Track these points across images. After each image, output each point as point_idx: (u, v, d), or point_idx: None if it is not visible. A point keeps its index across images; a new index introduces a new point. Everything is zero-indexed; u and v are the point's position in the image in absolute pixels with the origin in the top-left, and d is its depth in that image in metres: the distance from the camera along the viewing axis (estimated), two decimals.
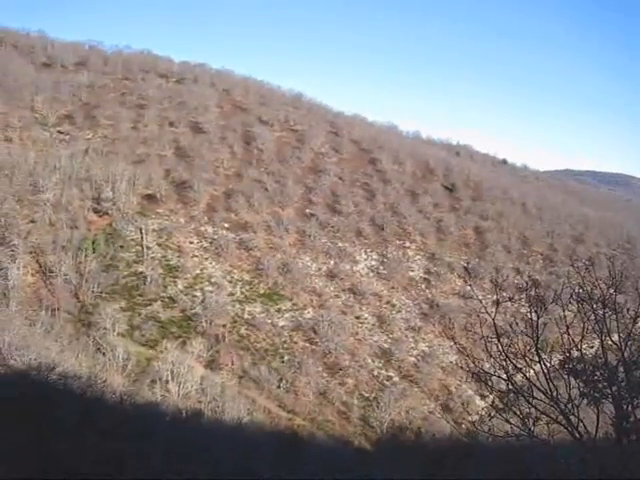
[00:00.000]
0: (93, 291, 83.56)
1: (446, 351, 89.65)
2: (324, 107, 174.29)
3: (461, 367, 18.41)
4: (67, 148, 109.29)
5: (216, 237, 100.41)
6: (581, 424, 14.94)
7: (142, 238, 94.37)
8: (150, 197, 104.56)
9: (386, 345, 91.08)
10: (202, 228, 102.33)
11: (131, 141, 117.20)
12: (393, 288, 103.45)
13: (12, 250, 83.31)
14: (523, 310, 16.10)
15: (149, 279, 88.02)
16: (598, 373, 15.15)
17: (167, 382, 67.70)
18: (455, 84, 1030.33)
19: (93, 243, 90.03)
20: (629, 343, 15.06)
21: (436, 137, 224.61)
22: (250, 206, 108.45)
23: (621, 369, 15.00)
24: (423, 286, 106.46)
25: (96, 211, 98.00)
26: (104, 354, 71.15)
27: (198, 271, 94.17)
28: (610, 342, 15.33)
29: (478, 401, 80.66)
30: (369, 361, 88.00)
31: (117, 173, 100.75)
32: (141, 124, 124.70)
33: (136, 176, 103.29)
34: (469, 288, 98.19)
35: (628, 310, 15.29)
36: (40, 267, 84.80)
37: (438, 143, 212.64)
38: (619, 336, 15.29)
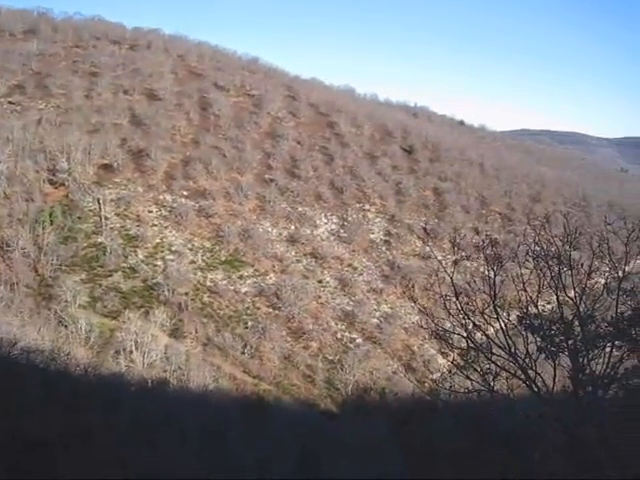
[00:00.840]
0: (52, 264, 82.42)
1: (408, 312, 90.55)
2: (281, 71, 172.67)
3: (422, 327, 18.68)
4: (19, 119, 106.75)
5: (175, 205, 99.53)
6: (539, 378, 15.33)
7: (100, 208, 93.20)
8: (107, 167, 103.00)
9: (349, 308, 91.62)
10: (161, 197, 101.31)
11: (85, 110, 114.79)
12: (354, 251, 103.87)
13: None
14: (482, 269, 16.30)
15: (109, 250, 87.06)
16: (554, 328, 15.52)
17: (131, 352, 67.53)
18: (411, 44, 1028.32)
19: (50, 215, 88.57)
20: (584, 298, 15.41)
21: (394, 99, 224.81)
22: (208, 173, 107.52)
23: (577, 323, 15.37)
24: (384, 248, 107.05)
25: (52, 182, 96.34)
26: (66, 327, 70.61)
27: (158, 240, 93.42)
28: (566, 297, 15.66)
29: (440, 360, 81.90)
30: (332, 324, 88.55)
31: (72, 143, 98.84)
32: (95, 92, 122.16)
33: (91, 146, 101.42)
34: (428, 249, 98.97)
35: (582, 266, 15.63)
36: None
37: (396, 105, 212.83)
38: (574, 291, 15.63)
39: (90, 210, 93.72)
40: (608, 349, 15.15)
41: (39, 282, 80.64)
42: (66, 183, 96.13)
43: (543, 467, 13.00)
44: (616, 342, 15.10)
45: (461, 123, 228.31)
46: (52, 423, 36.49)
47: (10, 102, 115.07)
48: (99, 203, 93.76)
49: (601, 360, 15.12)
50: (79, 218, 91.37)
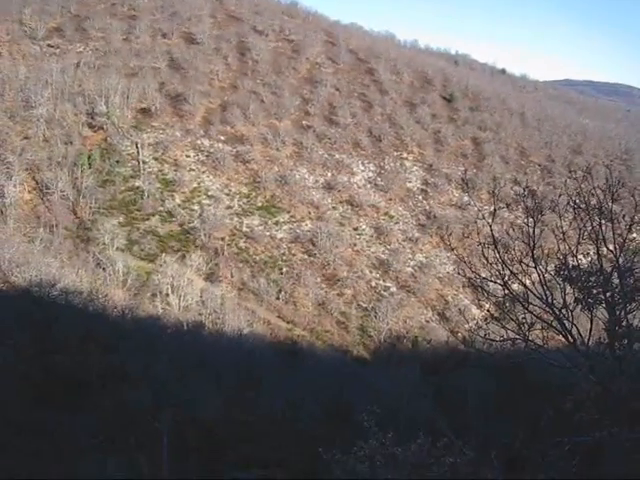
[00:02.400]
0: (91, 207, 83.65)
1: (443, 262, 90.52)
2: (320, 16, 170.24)
3: (459, 275, 18.63)
4: (58, 62, 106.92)
5: (212, 150, 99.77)
6: (575, 329, 15.25)
7: (138, 153, 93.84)
8: (145, 111, 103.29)
9: (384, 256, 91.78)
10: (198, 141, 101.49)
11: (123, 54, 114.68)
12: (391, 199, 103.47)
13: (7, 167, 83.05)
14: (520, 222, 16.15)
15: (146, 194, 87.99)
16: (592, 279, 15.37)
17: (167, 295, 68.66)
18: None
19: (89, 158, 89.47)
20: (623, 251, 15.21)
21: (434, 46, 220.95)
22: (246, 118, 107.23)
23: (615, 276, 15.20)
24: (420, 197, 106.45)
25: (90, 126, 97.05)
26: (104, 269, 71.88)
27: (195, 185, 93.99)
28: (605, 250, 15.47)
29: (474, 310, 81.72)
30: (367, 272, 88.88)
31: (110, 87, 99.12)
32: (133, 36, 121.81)
33: (130, 90, 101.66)
34: (466, 199, 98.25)
35: (624, 217, 15.38)
36: (37, 184, 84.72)
37: (436, 52, 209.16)
38: (614, 244, 15.42)
39: (128, 154, 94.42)
40: None
41: (78, 225, 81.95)
42: (105, 127, 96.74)
43: (574, 417, 13.03)
44: None
45: (503, 72, 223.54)
46: (90, 363, 37.45)
47: (49, 45, 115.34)
48: (137, 147, 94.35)
49: (638, 313, 14.98)
50: (117, 162, 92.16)
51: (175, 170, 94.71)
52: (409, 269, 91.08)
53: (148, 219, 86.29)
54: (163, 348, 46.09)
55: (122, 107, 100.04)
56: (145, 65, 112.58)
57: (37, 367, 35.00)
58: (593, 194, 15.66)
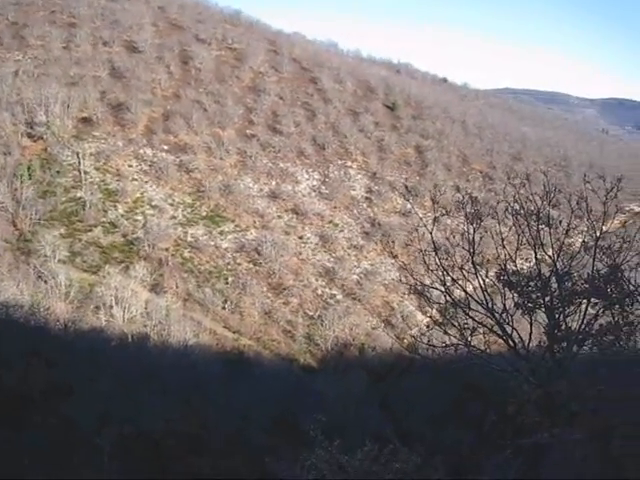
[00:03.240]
0: (31, 218, 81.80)
1: (388, 269, 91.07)
2: (263, 25, 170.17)
3: (400, 280, 18.84)
4: None
5: (155, 160, 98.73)
6: (516, 333, 15.56)
7: (79, 162, 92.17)
8: (86, 120, 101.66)
9: (329, 264, 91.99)
10: (141, 151, 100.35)
11: (63, 62, 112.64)
12: (335, 207, 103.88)
13: None
14: (462, 227, 16.41)
15: (88, 204, 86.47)
16: (532, 284, 15.72)
17: (111, 307, 67.51)
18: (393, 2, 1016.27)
19: (28, 169, 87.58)
20: (561, 255, 15.58)
21: (377, 56, 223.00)
22: (189, 127, 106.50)
23: (554, 280, 15.56)
24: (365, 205, 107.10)
25: (30, 136, 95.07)
26: (46, 282, 70.33)
27: (138, 195, 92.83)
28: (544, 255, 15.82)
29: (419, 316, 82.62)
30: (313, 280, 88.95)
31: (50, 96, 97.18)
32: (73, 44, 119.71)
33: (70, 98, 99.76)
34: (409, 206, 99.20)
35: (561, 223, 15.76)
36: None
37: (379, 61, 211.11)
38: (552, 249, 15.78)
39: (69, 164, 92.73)
40: (584, 306, 15.37)
41: (18, 237, 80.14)
42: (44, 137, 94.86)
43: (517, 420, 13.28)
44: (592, 299, 15.32)
45: (444, 80, 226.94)
46: (32, 378, 36.66)
47: None
48: (78, 157, 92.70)
49: (577, 317, 15.35)
50: (58, 172, 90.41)
51: (117, 180, 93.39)
52: (355, 277, 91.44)
53: (90, 230, 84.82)
54: (107, 361, 45.43)
55: (62, 116, 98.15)
56: (86, 74, 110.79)
57: None
58: (531, 200, 16.03)
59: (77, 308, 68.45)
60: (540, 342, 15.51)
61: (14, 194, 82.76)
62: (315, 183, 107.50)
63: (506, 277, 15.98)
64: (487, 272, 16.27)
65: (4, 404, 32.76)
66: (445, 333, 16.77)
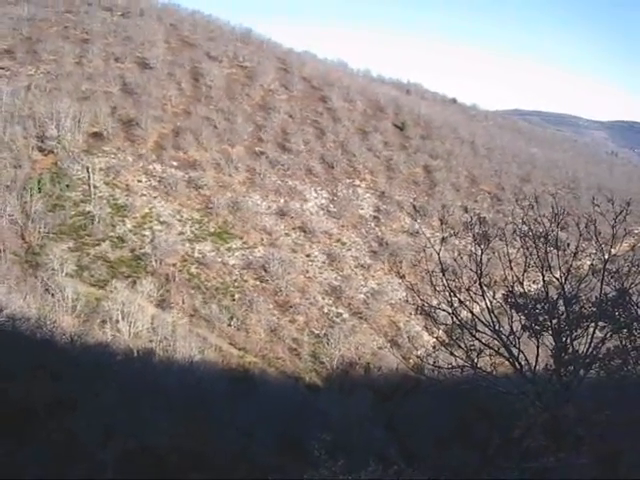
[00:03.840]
0: (40, 232, 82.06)
1: (395, 288, 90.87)
2: (273, 43, 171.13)
3: (406, 300, 18.82)
4: (8, 84, 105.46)
5: (165, 175, 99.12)
6: (522, 356, 15.49)
7: (89, 177, 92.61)
8: (96, 135, 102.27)
9: (336, 283, 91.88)
10: (150, 166, 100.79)
11: (75, 77, 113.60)
12: (343, 226, 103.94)
13: None
14: (470, 248, 16.41)
15: (97, 219, 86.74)
16: (539, 307, 15.66)
17: (117, 322, 67.53)
18: (405, 24, 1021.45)
19: (38, 183, 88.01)
20: (569, 278, 15.53)
21: (386, 75, 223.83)
22: (199, 144, 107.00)
23: (561, 303, 15.50)
24: (373, 224, 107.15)
25: (41, 150, 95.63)
26: (53, 295, 70.46)
27: (147, 210, 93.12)
28: (552, 277, 15.78)
29: (426, 337, 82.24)
30: (319, 298, 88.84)
31: (62, 110, 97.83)
32: (85, 59, 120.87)
33: (81, 113, 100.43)
34: (417, 226, 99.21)
35: (569, 246, 15.73)
36: None
37: (388, 82, 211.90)
38: (560, 272, 15.74)
39: (79, 178, 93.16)
40: (591, 329, 15.30)
41: (26, 250, 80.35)
42: (55, 151, 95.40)
43: (522, 443, 13.20)
44: (599, 323, 15.26)
45: (454, 101, 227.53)
46: (38, 391, 36.59)
47: None
48: (88, 172, 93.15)
49: (584, 340, 15.28)
50: (67, 186, 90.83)
51: (126, 195, 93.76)
52: (361, 295, 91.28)
53: (98, 244, 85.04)
54: (113, 376, 45.33)
55: (73, 131, 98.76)
56: (97, 89, 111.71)
57: None
58: (539, 222, 16.01)
59: (83, 322, 68.52)
60: (547, 365, 15.44)
61: (24, 207, 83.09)
62: (323, 201, 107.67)
63: (513, 299, 15.95)
64: (494, 294, 16.23)
65: (8, 417, 32.69)
66: (451, 354, 16.71)
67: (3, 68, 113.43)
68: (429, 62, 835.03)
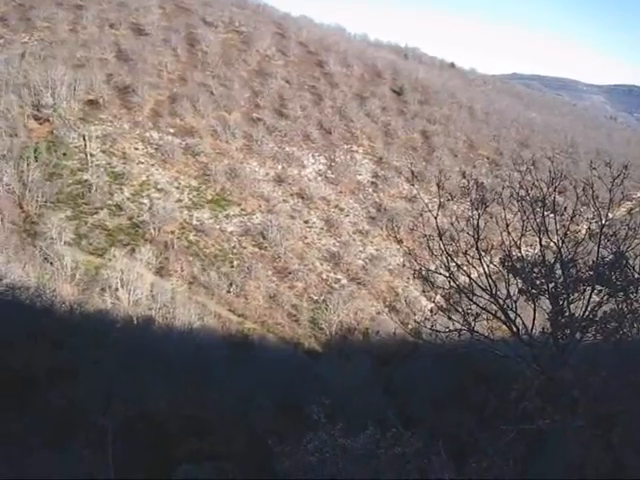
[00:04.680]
0: (37, 200, 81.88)
1: (393, 254, 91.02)
2: (270, 8, 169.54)
3: (404, 265, 18.88)
4: (2, 52, 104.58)
5: (161, 143, 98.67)
6: (519, 320, 15.57)
7: (85, 145, 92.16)
8: (92, 103, 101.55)
9: (334, 249, 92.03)
10: (147, 134, 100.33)
11: (70, 44, 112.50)
12: (341, 192, 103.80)
13: None
14: (468, 213, 16.41)
15: (94, 187, 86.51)
16: (536, 270, 15.70)
17: (117, 290, 67.73)
18: None
19: (35, 151, 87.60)
20: (566, 242, 15.55)
21: (384, 39, 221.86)
22: (196, 111, 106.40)
23: (558, 267, 15.54)
24: (371, 190, 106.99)
25: (36, 118, 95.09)
26: (52, 264, 70.62)
27: (144, 178, 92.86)
28: (549, 242, 15.79)
29: (424, 301, 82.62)
30: (318, 265, 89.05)
31: (57, 78, 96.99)
32: (80, 26, 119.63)
33: (77, 81, 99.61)
34: (415, 191, 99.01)
35: (566, 210, 15.73)
36: None
37: (386, 46, 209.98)
38: (557, 236, 15.76)
39: (75, 147, 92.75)
40: (588, 293, 15.35)
41: (24, 219, 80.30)
42: (51, 119, 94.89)
43: (519, 406, 13.32)
44: (596, 286, 15.30)
45: (452, 65, 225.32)
46: (38, 359, 36.87)
47: None
48: (84, 140, 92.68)
49: (580, 303, 15.33)
50: (64, 154, 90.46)
51: (124, 163, 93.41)
52: (360, 261, 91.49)
53: (96, 213, 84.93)
54: (113, 343, 45.61)
55: (69, 99, 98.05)
56: (92, 56, 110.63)
57: None
58: (537, 186, 15.99)
59: (83, 290, 68.80)
60: (544, 329, 15.51)
61: (20, 176, 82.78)
62: (321, 167, 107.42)
63: (510, 263, 15.98)
64: (492, 258, 16.26)
65: (9, 385, 32.97)
66: (449, 318, 16.82)
67: None
68: (426, 30, 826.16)
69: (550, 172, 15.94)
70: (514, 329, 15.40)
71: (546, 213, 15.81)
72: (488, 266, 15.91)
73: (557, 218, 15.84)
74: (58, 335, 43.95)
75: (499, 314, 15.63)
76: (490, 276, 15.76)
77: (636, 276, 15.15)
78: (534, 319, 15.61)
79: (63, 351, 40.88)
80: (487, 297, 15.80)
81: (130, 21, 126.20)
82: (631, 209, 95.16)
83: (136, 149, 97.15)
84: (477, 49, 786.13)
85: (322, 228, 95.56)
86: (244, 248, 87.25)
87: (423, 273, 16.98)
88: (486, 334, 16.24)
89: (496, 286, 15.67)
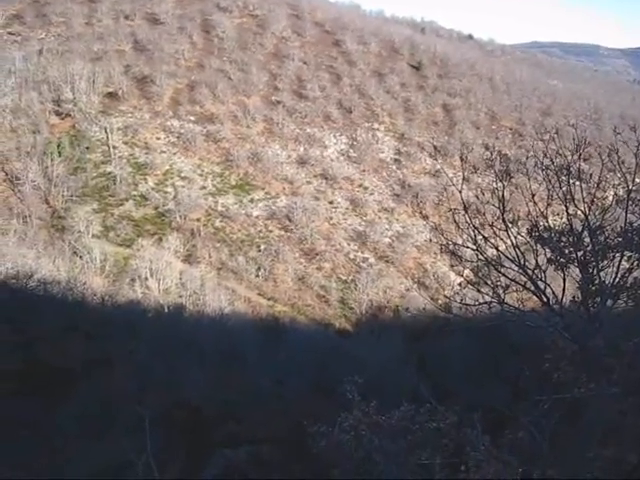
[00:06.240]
0: (63, 195, 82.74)
1: (420, 230, 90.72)
2: None
3: (431, 240, 18.85)
4: (20, 49, 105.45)
5: (183, 131, 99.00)
6: (549, 289, 15.48)
7: (107, 138, 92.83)
8: (112, 95, 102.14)
9: (360, 228, 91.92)
10: (168, 123, 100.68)
11: (86, 38, 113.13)
12: (364, 171, 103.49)
13: None
14: (493, 185, 16.31)
15: (119, 179, 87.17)
16: (564, 239, 15.58)
17: (146, 279, 68.36)
18: None
19: (58, 147, 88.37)
20: (593, 209, 15.41)
21: (400, 15, 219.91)
22: (215, 97, 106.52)
23: (586, 234, 15.41)
24: (394, 167, 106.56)
25: (58, 114, 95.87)
26: (81, 257, 71.44)
27: (167, 167, 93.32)
28: (576, 210, 15.66)
29: (452, 276, 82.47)
30: (345, 245, 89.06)
31: (75, 72, 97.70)
32: (95, 19, 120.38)
33: (95, 74, 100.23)
34: (439, 166, 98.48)
35: (592, 176, 15.58)
36: (6, 175, 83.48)
37: (402, 21, 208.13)
38: (584, 203, 15.62)
39: (98, 140, 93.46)
40: (617, 260, 15.22)
41: (51, 214, 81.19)
42: (72, 113, 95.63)
43: (553, 376, 13.27)
44: (625, 252, 15.16)
45: (470, 37, 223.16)
46: (73, 352, 37.35)
47: (10, 33, 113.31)
48: (106, 132, 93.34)
49: (610, 270, 15.21)
50: (87, 148, 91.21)
51: (146, 153, 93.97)
52: (386, 239, 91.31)
53: (122, 204, 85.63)
54: (145, 332, 46.06)
55: (88, 92, 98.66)
56: (109, 48, 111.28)
57: (19, 359, 34.85)
58: (561, 155, 15.84)
59: (113, 282, 69.53)
60: (574, 297, 15.42)
61: (45, 172, 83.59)
62: (343, 147, 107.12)
63: (538, 233, 15.87)
64: (519, 229, 16.17)
65: (46, 379, 33.48)
66: (478, 292, 16.75)
67: (14, 34, 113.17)
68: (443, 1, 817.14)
69: (574, 139, 15.78)
70: (544, 299, 15.32)
71: (572, 181, 15.68)
72: (515, 237, 15.82)
73: (583, 186, 15.70)
74: (91, 327, 44.46)
75: (528, 285, 15.56)
76: (518, 247, 15.68)
77: None
78: (564, 288, 15.51)
79: (97, 342, 41.36)
80: (516, 268, 15.75)
81: (145, 11, 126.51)
82: None
83: (158, 139, 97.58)
84: (495, 20, 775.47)
85: (347, 208, 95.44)
86: (270, 232, 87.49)
87: (450, 248, 16.91)
88: (516, 305, 16.20)
89: (524, 257, 15.60)
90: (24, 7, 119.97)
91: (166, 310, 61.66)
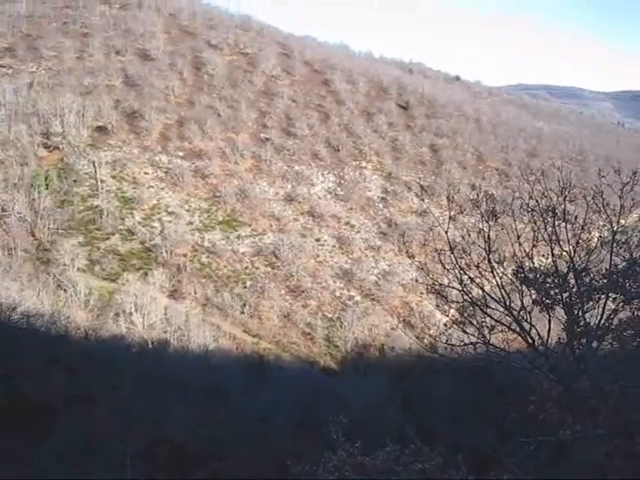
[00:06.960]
0: (49, 228, 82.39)
1: (406, 269, 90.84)
2: (274, 29, 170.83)
3: (417, 280, 18.89)
4: (11, 82, 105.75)
5: (171, 166, 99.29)
6: (534, 330, 15.49)
7: (95, 171, 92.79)
8: (101, 129, 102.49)
9: (347, 266, 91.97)
10: (156, 158, 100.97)
11: (77, 72, 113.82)
12: (351, 209, 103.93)
13: None
14: (479, 225, 16.42)
15: (105, 212, 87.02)
16: (549, 280, 15.62)
17: (131, 314, 67.82)
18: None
19: (46, 179, 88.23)
20: (578, 251, 15.50)
21: (388, 56, 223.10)
22: (204, 133, 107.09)
23: (571, 276, 15.47)
24: (381, 205, 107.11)
25: (46, 146, 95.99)
26: (65, 291, 70.89)
27: (155, 202, 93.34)
28: (561, 251, 15.74)
29: (438, 315, 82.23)
30: (331, 282, 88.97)
31: (65, 106, 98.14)
32: (86, 54, 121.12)
33: (85, 108, 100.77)
34: (425, 206, 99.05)
35: (577, 218, 15.70)
36: None
37: (391, 62, 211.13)
38: (569, 245, 15.71)
39: (86, 173, 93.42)
40: (602, 301, 15.27)
41: (37, 246, 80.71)
42: (60, 146, 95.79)
43: (538, 418, 13.23)
44: (610, 294, 15.22)
45: (457, 78, 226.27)
46: (55, 386, 36.87)
47: (1, 65, 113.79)
48: (94, 166, 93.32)
49: (595, 312, 15.25)
50: (75, 181, 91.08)
51: (134, 188, 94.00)
52: (373, 277, 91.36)
53: (108, 238, 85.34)
54: (129, 368, 45.60)
55: (78, 126, 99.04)
56: (99, 83, 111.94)
57: (0, 393, 34.38)
58: (547, 196, 15.97)
59: (97, 316, 68.93)
60: (559, 339, 15.42)
61: (32, 204, 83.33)
62: (330, 185, 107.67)
63: (523, 274, 15.92)
64: (504, 270, 16.22)
65: (27, 412, 33.02)
66: (464, 332, 16.75)
67: (5, 66, 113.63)
68: (431, 42, 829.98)
69: (559, 181, 15.93)
70: (530, 340, 15.32)
71: (557, 222, 15.77)
72: (501, 278, 15.86)
73: (568, 227, 15.80)
74: (74, 361, 43.94)
75: (514, 326, 15.57)
76: (503, 288, 15.72)
77: None
78: (549, 330, 15.52)
79: (80, 377, 40.86)
80: (501, 309, 15.76)
81: (136, 47, 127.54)
82: None
83: (146, 173, 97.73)
84: (482, 61, 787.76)
85: (334, 245, 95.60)
86: (256, 268, 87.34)
87: (436, 287, 16.93)
88: (502, 346, 16.18)
89: (510, 298, 15.63)
90: (16, 40, 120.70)
91: (150, 345, 61.15)
